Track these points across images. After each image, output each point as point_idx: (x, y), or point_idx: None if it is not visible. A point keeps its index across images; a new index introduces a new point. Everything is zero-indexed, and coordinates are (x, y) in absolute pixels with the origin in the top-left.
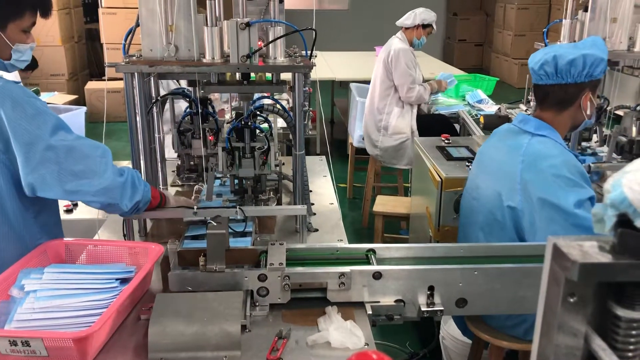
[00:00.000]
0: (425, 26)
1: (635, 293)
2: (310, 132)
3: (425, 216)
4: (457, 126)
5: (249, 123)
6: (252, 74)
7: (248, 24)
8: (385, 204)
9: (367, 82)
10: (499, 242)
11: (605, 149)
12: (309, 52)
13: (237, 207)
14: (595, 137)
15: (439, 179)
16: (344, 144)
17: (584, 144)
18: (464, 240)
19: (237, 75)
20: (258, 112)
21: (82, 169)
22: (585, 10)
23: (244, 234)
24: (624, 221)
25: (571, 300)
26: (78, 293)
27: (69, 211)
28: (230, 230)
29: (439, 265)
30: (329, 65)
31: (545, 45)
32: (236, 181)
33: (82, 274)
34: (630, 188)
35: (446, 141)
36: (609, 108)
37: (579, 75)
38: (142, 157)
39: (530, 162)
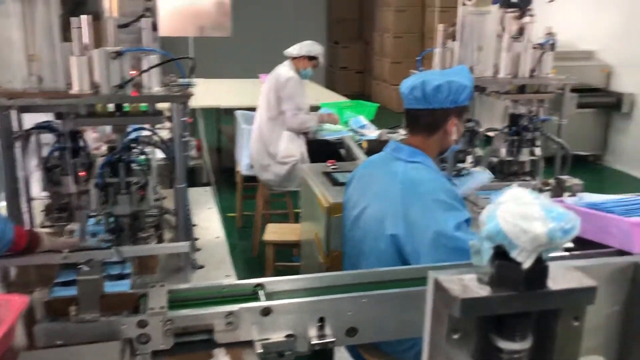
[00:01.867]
0: (311, 58)
1: (515, 324)
2: (194, 162)
3: (315, 242)
4: (342, 151)
5: (123, 157)
6: (126, 105)
7: (119, 53)
8: (275, 232)
9: (253, 109)
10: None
11: (479, 169)
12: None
13: (113, 247)
14: (469, 159)
15: (326, 205)
16: (231, 172)
17: (459, 165)
18: (349, 270)
19: (110, 107)
20: (133, 145)
21: None
22: (454, 39)
23: (121, 277)
24: (500, 252)
25: (455, 336)
26: None
27: None
28: (106, 274)
29: (328, 296)
30: (213, 92)
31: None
32: (112, 219)
33: None
34: (505, 220)
35: (332, 167)
36: (480, 130)
37: (444, 101)
38: (3, 197)
39: (408, 189)
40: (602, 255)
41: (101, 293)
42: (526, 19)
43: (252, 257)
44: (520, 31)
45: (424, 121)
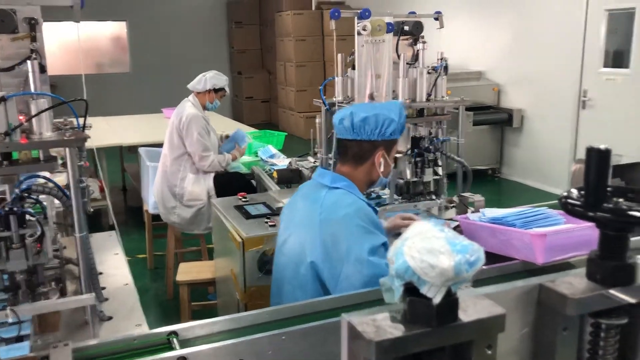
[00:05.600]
0: (217, 90)
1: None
2: (98, 204)
3: (231, 278)
4: (254, 182)
5: (15, 208)
6: (15, 152)
7: (3, 98)
8: (188, 271)
9: (157, 145)
10: (305, 297)
11: (387, 191)
12: (81, 122)
13: (8, 308)
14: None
15: (240, 239)
16: (139, 212)
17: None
18: (277, 296)
19: None
20: (26, 195)
21: None
22: (353, 68)
23: (19, 339)
24: (411, 289)
25: None
26: None
27: None
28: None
29: (246, 337)
30: (114, 130)
31: (323, 102)
32: (6, 276)
33: None
34: (412, 256)
35: (243, 199)
36: None
37: (372, 133)
38: None
39: (326, 215)
40: (508, 268)
41: None
42: (419, 46)
43: (166, 300)
44: (415, 57)
45: (352, 152)
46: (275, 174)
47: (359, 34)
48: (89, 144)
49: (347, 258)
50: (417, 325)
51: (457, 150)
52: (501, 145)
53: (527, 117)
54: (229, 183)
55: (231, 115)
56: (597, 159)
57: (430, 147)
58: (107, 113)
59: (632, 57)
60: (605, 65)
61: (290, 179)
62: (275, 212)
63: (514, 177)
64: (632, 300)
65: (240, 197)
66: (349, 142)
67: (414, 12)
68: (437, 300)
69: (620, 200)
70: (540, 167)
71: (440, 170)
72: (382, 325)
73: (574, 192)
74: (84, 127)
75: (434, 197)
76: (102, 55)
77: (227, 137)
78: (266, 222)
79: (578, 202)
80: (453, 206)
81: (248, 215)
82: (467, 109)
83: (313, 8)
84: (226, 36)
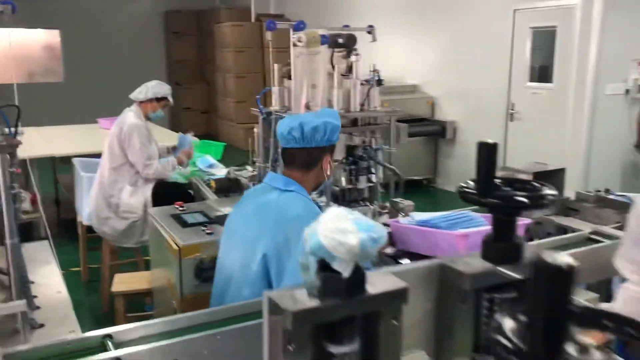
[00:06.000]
0: (159, 99)
1: (342, 329)
2: (30, 216)
3: (168, 288)
4: (192, 192)
5: None
6: None
7: None
8: (124, 282)
9: (92, 155)
10: (253, 295)
11: (323, 198)
12: (12, 130)
13: None
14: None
15: (177, 248)
16: (73, 224)
17: None
18: (218, 298)
19: None
20: None
21: None
22: (290, 78)
23: None
24: (324, 266)
25: (290, 348)
26: None
27: None
28: None
29: (181, 337)
30: (47, 140)
31: (260, 110)
32: None
33: None
34: (325, 236)
35: (180, 208)
36: None
37: (321, 140)
38: None
39: (280, 215)
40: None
41: None
42: (353, 58)
43: (102, 312)
44: (349, 69)
45: (302, 159)
46: (213, 184)
47: (294, 45)
48: (21, 154)
49: (294, 259)
50: (329, 297)
51: (389, 159)
52: (435, 156)
53: (459, 128)
54: (167, 194)
55: (170, 126)
56: (486, 152)
57: (364, 155)
58: (39, 123)
59: (555, 73)
60: (532, 80)
61: (228, 188)
62: (213, 221)
63: (447, 187)
64: (518, 276)
65: (178, 206)
66: (298, 151)
67: (347, 26)
68: (346, 274)
69: (509, 189)
70: (472, 176)
71: (373, 178)
72: (299, 298)
73: (470, 183)
74: (15, 133)
75: (367, 203)
76: (33, 64)
77: (173, 148)
78: (203, 230)
79: (474, 191)
80: (386, 212)
81: (185, 224)
82: (403, 120)
83: (252, 20)
84: (164, 46)
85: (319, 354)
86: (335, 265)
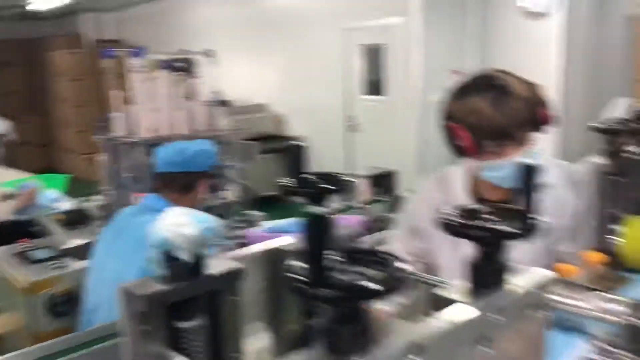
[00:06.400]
0: None
1: (188, 307)
2: None
3: (20, 331)
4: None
5: None
6: None
7: None
8: None
9: None
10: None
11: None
12: None
13: None
14: None
15: (25, 285)
16: None
17: None
18: (88, 325)
19: None
20: None
21: None
22: (129, 103)
23: None
24: (170, 257)
25: (145, 328)
26: None
27: None
28: None
29: None
30: None
31: (105, 138)
32: None
33: None
34: (167, 230)
35: (26, 246)
36: None
37: (201, 165)
38: None
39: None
40: None
41: None
42: (194, 80)
43: None
44: (191, 91)
45: (180, 182)
46: (61, 217)
47: (134, 71)
48: None
49: None
50: (175, 281)
51: (243, 176)
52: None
53: (309, 143)
54: (6, 235)
55: (6, 164)
56: (296, 152)
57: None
58: None
59: (387, 85)
60: (366, 93)
61: (78, 220)
62: (63, 254)
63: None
64: None
65: (22, 244)
66: (177, 175)
67: (184, 50)
68: (188, 259)
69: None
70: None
71: (228, 194)
72: (150, 285)
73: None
74: None
75: (222, 218)
76: None
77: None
78: (54, 264)
79: (292, 185)
80: (242, 225)
81: (33, 260)
82: (253, 138)
83: (82, 48)
84: None
85: (171, 331)
86: (179, 254)
